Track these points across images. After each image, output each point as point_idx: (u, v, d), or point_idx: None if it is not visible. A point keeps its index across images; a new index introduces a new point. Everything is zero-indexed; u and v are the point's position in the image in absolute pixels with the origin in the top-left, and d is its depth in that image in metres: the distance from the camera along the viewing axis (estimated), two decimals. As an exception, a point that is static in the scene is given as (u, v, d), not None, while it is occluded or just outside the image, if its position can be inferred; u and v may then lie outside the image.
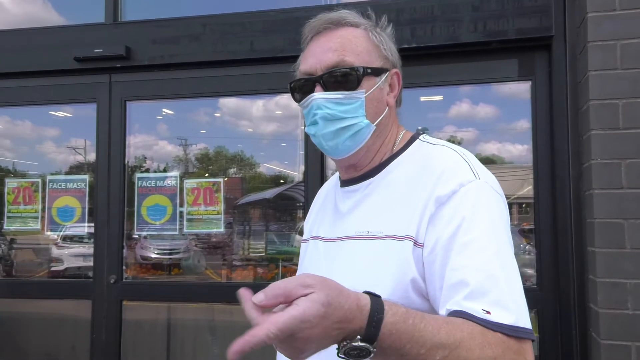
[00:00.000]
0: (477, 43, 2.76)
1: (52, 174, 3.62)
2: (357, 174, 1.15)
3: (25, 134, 3.98)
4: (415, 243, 0.97)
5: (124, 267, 3.22)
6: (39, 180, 3.49)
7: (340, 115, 1.08)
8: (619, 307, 2.24)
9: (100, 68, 3.18)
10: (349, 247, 1.08)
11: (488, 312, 0.86)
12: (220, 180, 3.31)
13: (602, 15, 2.35)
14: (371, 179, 1.12)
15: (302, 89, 1.12)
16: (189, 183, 3.28)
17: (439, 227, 0.95)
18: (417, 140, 1.15)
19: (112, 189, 3.18)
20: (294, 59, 3.26)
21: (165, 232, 3.31)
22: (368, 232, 1.05)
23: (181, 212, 3.24)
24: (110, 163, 3.19)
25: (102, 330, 3.13)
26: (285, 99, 3.66)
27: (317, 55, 1.10)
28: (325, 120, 1.08)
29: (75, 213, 3.39)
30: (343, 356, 0.77)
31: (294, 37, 2.94)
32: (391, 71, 1.15)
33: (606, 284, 2.27)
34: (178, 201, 3.25)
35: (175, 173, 3.48)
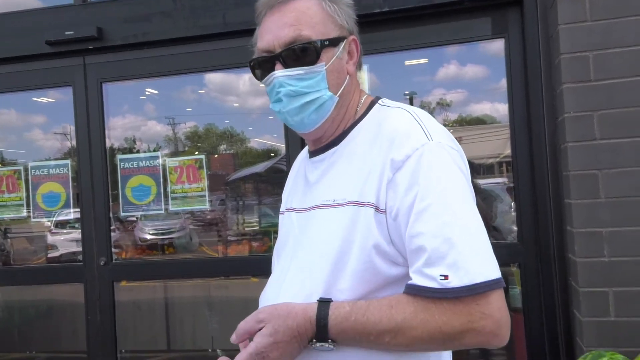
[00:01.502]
0: (450, 3, 2.75)
1: (34, 161, 3.62)
2: (322, 145, 1.18)
3: (10, 122, 3.95)
4: (377, 209, 1.01)
5: (112, 249, 3.25)
6: (21, 167, 3.49)
7: (303, 91, 1.09)
8: (596, 256, 2.31)
9: (73, 50, 3.15)
10: (317, 216, 1.11)
11: (446, 277, 0.92)
12: (202, 157, 3.32)
13: (570, -33, 2.35)
14: (335, 147, 1.14)
15: (262, 66, 1.13)
16: (171, 161, 3.29)
17: (399, 195, 0.99)
18: (376, 104, 1.16)
19: (94, 172, 3.18)
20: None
21: (151, 212, 3.33)
22: (334, 200, 1.08)
23: (166, 191, 3.25)
24: (91, 146, 3.18)
25: (96, 311, 3.18)
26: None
27: (273, 32, 1.10)
28: (289, 97, 1.09)
29: (60, 198, 3.39)
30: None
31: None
32: (348, 38, 1.14)
33: (583, 234, 2.33)
34: (162, 180, 3.26)
35: (157, 153, 3.47)
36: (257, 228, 4.29)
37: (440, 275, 0.92)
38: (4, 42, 3.21)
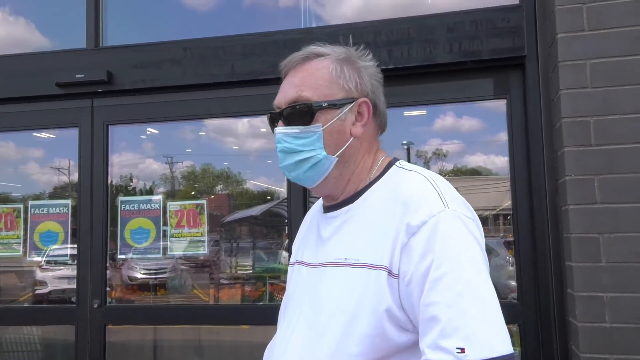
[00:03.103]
0: (453, 63, 2.83)
1: (33, 199, 3.61)
2: (336, 202, 1.19)
3: (8, 155, 3.97)
4: (390, 273, 1.00)
5: (107, 290, 3.21)
6: (21, 205, 3.48)
7: (298, 149, 1.12)
8: (597, 321, 2.28)
9: (82, 93, 3.20)
10: (328, 274, 1.11)
11: (462, 350, 0.90)
12: (204, 201, 3.33)
13: (572, 35, 2.43)
14: (350, 206, 1.15)
15: (271, 121, 1.19)
16: (172, 205, 3.29)
17: (413, 261, 0.98)
18: (394, 166, 1.17)
19: (94, 213, 3.18)
20: (274, 81, 3.29)
21: (149, 255, 3.30)
22: (345, 259, 1.08)
23: (165, 234, 3.24)
24: (93, 187, 3.19)
25: (85, 356, 3.10)
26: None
27: (282, 91, 1.17)
28: (284, 153, 1.14)
29: (58, 238, 3.38)
30: None
31: (273, 59, 2.99)
32: (358, 101, 1.15)
33: (584, 298, 2.31)
34: (162, 223, 3.25)
35: (158, 196, 3.48)
36: (250, 272, 4.25)
37: (457, 348, 0.90)
38: (16, 82, 3.26)
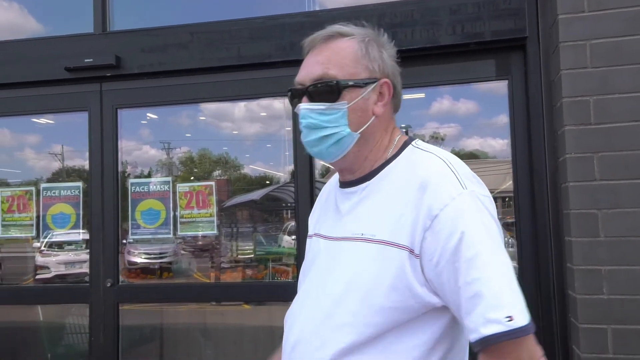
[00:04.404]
0: (455, 45, 2.88)
1: (45, 182, 3.68)
2: (353, 178, 1.23)
3: (8, 142, 4.03)
4: (412, 252, 1.06)
5: (120, 269, 3.29)
6: (33, 188, 3.55)
7: (323, 125, 1.17)
8: (595, 293, 2.37)
9: (91, 77, 3.25)
10: (345, 248, 1.17)
11: (510, 318, 0.98)
12: (212, 183, 3.40)
13: (572, 16, 2.48)
14: (367, 182, 1.20)
15: (294, 96, 1.23)
16: (182, 187, 3.36)
17: (440, 243, 1.04)
18: (410, 145, 1.21)
19: (106, 195, 3.25)
20: (280, 64, 3.35)
21: (159, 236, 3.38)
22: (362, 234, 1.13)
23: (174, 216, 3.32)
24: (104, 170, 3.25)
25: (99, 333, 3.20)
26: (269, 100, 3.75)
27: (307, 67, 1.21)
28: (308, 129, 1.18)
29: (70, 219, 3.45)
30: None
31: (279, 42, 3.04)
32: (380, 81, 1.20)
33: (582, 271, 2.40)
34: (171, 205, 3.33)
35: (168, 178, 3.56)
36: (251, 256, 4.33)
37: (506, 317, 0.98)
38: (25, 67, 3.31)
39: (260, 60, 3.07)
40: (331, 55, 1.18)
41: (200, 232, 3.39)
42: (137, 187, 3.38)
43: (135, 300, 3.46)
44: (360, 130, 1.18)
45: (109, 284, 3.19)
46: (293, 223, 3.31)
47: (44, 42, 3.40)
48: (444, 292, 1.06)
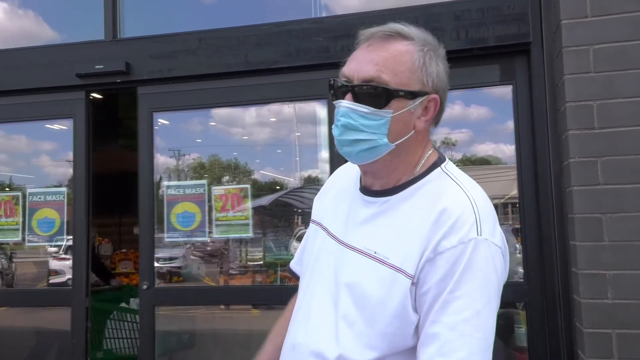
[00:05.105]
0: (459, 50, 2.89)
1: (33, 187, 3.69)
2: (376, 187, 1.19)
3: (20, 147, 4.08)
4: (412, 282, 1.07)
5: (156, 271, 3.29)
6: (19, 193, 3.60)
7: (361, 128, 1.11)
8: (600, 297, 2.37)
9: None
10: (356, 261, 1.15)
11: None
12: (248, 186, 3.39)
13: (575, 22, 2.49)
14: (389, 197, 1.16)
15: (337, 89, 1.16)
16: (217, 190, 3.37)
17: (434, 278, 1.04)
18: (438, 168, 1.17)
19: (142, 198, 3.25)
20: (287, 70, 3.38)
21: (195, 239, 3.37)
22: (375, 252, 1.12)
23: (210, 218, 3.32)
24: (141, 173, 3.28)
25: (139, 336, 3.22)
26: (279, 105, 3.79)
27: (359, 63, 1.13)
28: (345, 128, 1.12)
29: (54, 224, 3.48)
30: None
31: (286, 49, 3.09)
32: (429, 96, 1.13)
33: (587, 276, 2.40)
34: (207, 207, 3.32)
35: (203, 181, 3.51)
36: (261, 262, 4.33)
37: None
38: (37, 74, 3.38)
39: (267, 66, 3.11)
40: (388, 58, 1.11)
41: (236, 235, 3.41)
42: (172, 190, 3.40)
43: (172, 303, 3.46)
44: (397, 143, 1.13)
45: (145, 287, 3.19)
46: (304, 229, 3.31)
47: (57, 49, 3.48)
48: (422, 322, 1.07)
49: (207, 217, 3.32)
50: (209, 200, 3.33)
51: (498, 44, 2.84)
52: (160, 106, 3.35)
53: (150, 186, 3.27)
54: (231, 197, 3.32)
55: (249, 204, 3.32)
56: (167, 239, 3.38)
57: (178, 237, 3.40)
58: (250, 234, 3.38)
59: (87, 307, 3.29)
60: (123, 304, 4.72)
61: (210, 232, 3.32)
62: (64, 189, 3.55)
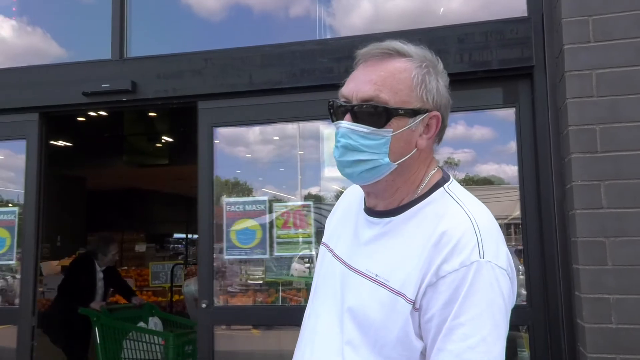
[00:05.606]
0: (463, 73, 2.92)
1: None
2: (379, 207, 1.18)
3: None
4: (414, 306, 1.05)
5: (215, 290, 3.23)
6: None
7: (361, 149, 1.09)
8: (604, 322, 2.36)
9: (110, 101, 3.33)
10: (359, 284, 1.13)
11: None
12: (310, 203, 3.30)
13: (578, 46, 2.52)
14: (392, 218, 1.14)
15: (336, 110, 1.15)
16: (278, 206, 3.31)
17: (437, 304, 1.03)
18: (441, 189, 1.14)
19: (201, 215, 3.19)
20: (290, 90, 3.41)
21: (255, 257, 3.27)
22: (376, 275, 1.10)
23: (271, 236, 3.23)
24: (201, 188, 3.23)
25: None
26: (282, 124, 3.80)
27: (357, 83, 1.12)
28: (345, 149, 1.10)
29: (5, 243, 3.47)
30: None
31: (289, 69, 3.12)
32: (430, 113, 1.12)
33: (590, 300, 2.39)
34: (267, 225, 3.24)
35: (264, 197, 3.39)
36: (261, 282, 4.30)
37: None
38: (44, 92, 3.41)
39: (271, 86, 3.14)
40: (386, 77, 1.09)
41: (298, 253, 3.29)
42: (232, 207, 3.29)
43: (231, 322, 3.38)
44: (399, 162, 1.11)
45: (204, 305, 3.12)
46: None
47: (64, 67, 3.52)
48: (428, 349, 1.05)
49: (267, 235, 3.22)
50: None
51: (501, 67, 2.87)
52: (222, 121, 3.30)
53: (209, 202, 3.18)
54: (293, 214, 3.22)
55: (311, 221, 3.21)
56: (226, 257, 3.27)
57: (238, 255, 3.29)
58: (312, 252, 3.23)
59: (33, 326, 3.29)
60: (142, 323, 4.66)
61: (271, 250, 3.21)
62: (15, 209, 3.53)
